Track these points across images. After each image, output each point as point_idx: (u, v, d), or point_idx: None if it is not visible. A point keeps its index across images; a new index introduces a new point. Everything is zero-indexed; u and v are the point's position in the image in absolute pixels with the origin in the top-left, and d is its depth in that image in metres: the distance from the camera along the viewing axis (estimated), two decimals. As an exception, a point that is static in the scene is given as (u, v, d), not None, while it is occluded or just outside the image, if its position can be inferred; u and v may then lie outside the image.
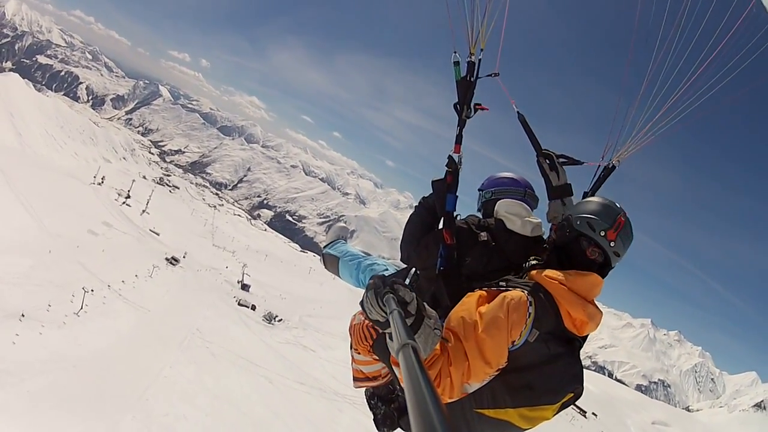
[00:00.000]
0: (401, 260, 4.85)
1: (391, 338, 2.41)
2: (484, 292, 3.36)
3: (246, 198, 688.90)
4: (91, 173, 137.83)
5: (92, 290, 58.21)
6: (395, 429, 4.31)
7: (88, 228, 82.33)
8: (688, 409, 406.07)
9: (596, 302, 3.43)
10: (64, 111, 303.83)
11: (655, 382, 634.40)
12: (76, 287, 57.16)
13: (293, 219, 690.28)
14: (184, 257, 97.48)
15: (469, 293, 3.42)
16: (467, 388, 3.03)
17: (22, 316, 47.39)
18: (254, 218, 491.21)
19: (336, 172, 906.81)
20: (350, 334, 4.21)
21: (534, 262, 3.80)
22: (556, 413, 3.42)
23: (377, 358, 3.67)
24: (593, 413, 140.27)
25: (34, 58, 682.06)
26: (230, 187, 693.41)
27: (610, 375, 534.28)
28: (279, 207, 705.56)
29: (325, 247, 6.59)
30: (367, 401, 4.54)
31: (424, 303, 2.75)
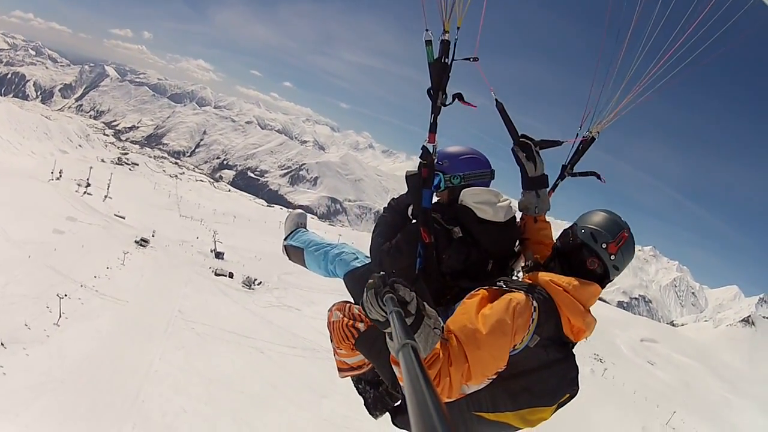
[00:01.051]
0: (372, 267, 4.65)
1: (391, 338, 2.43)
2: (486, 293, 3.37)
3: (206, 162, 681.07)
4: (50, 169, 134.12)
5: (67, 295, 56.74)
6: (386, 412, 4.29)
7: (54, 227, 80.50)
8: (672, 324, 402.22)
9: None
10: (15, 112, 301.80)
11: (636, 298, 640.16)
12: (51, 295, 56.10)
13: (255, 175, 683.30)
14: (153, 236, 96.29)
15: (471, 293, 3.42)
16: (465, 389, 3.05)
17: (3, 346, 46.24)
18: (217, 181, 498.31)
19: (291, 121, 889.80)
20: (329, 331, 4.15)
21: (531, 263, 3.91)
22: (554, 412, 3.49)
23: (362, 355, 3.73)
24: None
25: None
26: (189, 154, 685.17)
27: None
28: (239, 165, 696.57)
29: (285, 238, 6.41)
30: (355, 387, 4.52)
31: (425, 302, 2.71)
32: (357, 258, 5.31)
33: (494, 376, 3.15)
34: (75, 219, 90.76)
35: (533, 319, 3.20)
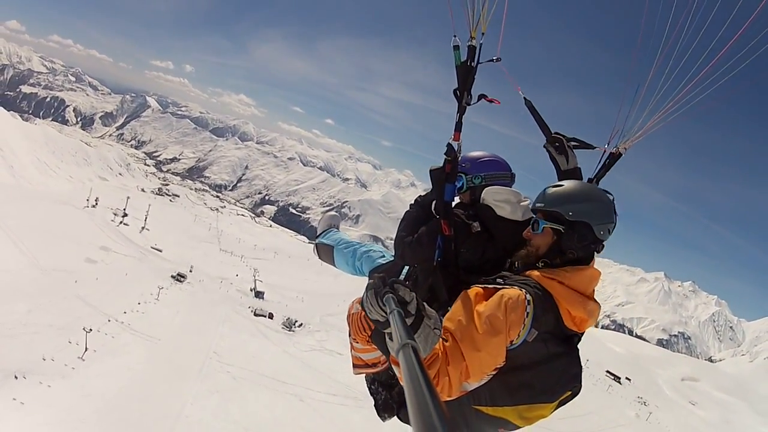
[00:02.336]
0: (395, 258, 4.75)
1: (391, 338, 2.44)
2: (480, 290, 3.25)
3: (247, 196, 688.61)
4: (86, 195, 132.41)
5: (91, 329, 53.39)
6: (395, 415, 4.04)
7: (86, 256, 78.27)
8: (710, 360, 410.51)
9: (596, 292, 3.48)
10: (54, 136, 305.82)
11: (675, 335, 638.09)
12: (78, 327, 53.15)
13: (297, 211, 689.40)
14: (190, 271, 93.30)
15: (465, 290, 3.31)
16: (466, 386, 3.00)
17: (23, 377, 43.56)
18: (258, 215, 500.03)
19: (333, 159, 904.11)
20: (348, 323, 3.56)
21: (520, 261, 3.69)
22: (554, 411, 3.41)
23: (376, 347, 3.30)
24: (627, 378, 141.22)
25: (17, 89, 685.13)
26: (230, 188, 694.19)
27: (630, 332, 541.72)
28: (281, 201, 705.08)
29: (317, 237, 6.65)
30: (368, 387, 4.24)
31: (424, 303, 2.65)
32: (383, 256, 5.56)
33: (494, 372, 3.10)
34: (109, 249, 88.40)
35: (528, 313, 3.10)
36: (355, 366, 3.92)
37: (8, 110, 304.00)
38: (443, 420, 1.12)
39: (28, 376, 43.53)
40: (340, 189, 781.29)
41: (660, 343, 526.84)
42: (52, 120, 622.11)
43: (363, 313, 3.26)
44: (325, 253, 6.26)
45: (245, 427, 47.02)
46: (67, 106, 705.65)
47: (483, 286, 3.28)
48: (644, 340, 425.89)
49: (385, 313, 2.43)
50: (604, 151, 4.51)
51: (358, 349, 3.66)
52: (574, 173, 4.39)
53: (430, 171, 4.17)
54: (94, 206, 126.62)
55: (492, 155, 4.75)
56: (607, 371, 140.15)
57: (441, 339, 2.83)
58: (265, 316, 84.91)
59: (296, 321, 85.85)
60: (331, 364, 69.55)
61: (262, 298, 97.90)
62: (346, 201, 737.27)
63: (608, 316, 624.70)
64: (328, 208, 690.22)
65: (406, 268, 4.79)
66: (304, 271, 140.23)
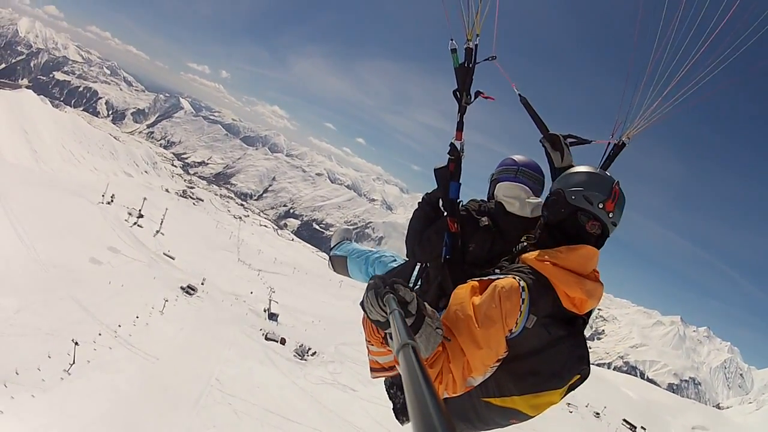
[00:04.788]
0: (407, 256, 4.89)
1: (391, 338, 2.44)
2: (476, 283, 3.27)
3: (272, 208, 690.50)
4: (110, 189, 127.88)
5: (78, 343, 48.38)
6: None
7: (90, 256, 73.22)
8: (718, 407, 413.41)
9: (599, 277, 3.42)
10: (82, 126, 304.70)
11: (686, 381, 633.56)
12: (70, 334, 48.73)
13: (320, 227, 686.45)
14: (202, 284, 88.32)
15: (460, 285, 3.34)
16: (471, 381, 3.04)
17: (3, 385, 40.08)
18: (281, 228, 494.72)
19: (361, 178, 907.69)
20: (363, 326, 3.49)
21: (525, 243, 3.73)
22: (564, 396, 3.39)
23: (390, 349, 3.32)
24: (642, 427, 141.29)
25: (51, 75, 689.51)
26: (256, 198, 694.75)
27: (642, 375, 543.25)
28: (305, 216, 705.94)
29: (331, 249, 6.80)
30: (386, 391, 4.23)
31: (425, 303, 2.78)
32: (395, 260, 5.65)
33: (497, 364, 3.12)
34: (118, 251, 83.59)
35: (523, 300, 3.07)
36: (372, 370, 3.74)
37: (38, 94, 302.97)
38: (444, 421, 1.12)
39: (6, 384, 40.15)
40: (365, 209, 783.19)
41: (670, 387, 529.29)
42: (82, 110, 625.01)
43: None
44: (339, 264, 6.38)
45: (243, 474, 41.27)
46: (100, 98, 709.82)
47: (479, 279, 3.29)
48: (655, 383, 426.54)
49: (386, 313, 2.49)
50: (609, 143, 4.54)
51: (374, 352, 3.54)
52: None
53: (435, 170, 4.32)
54: (109, 203, 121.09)
55: (518, 155, 4.72)
56: (624, 420, 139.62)
57: (445, 339, 2.91)
58: (276, 341, 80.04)
59: (309, 349, 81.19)
60: (343, 401, 65.54)
61: (276, 320, 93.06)
62: (371, 222, 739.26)
63: (621, 357, 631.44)
64: (351, 227, 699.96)
65: (418, 266, 4.77)
66: (323, 292, 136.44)
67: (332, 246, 6.83)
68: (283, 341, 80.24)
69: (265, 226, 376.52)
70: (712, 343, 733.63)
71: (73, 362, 46.40)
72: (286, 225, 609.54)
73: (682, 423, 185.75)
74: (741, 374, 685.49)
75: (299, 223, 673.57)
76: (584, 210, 3.37)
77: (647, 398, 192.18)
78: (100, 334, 53.86)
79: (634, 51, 4.30)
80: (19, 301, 51.32)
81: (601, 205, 3.33)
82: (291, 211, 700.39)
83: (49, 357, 45.83)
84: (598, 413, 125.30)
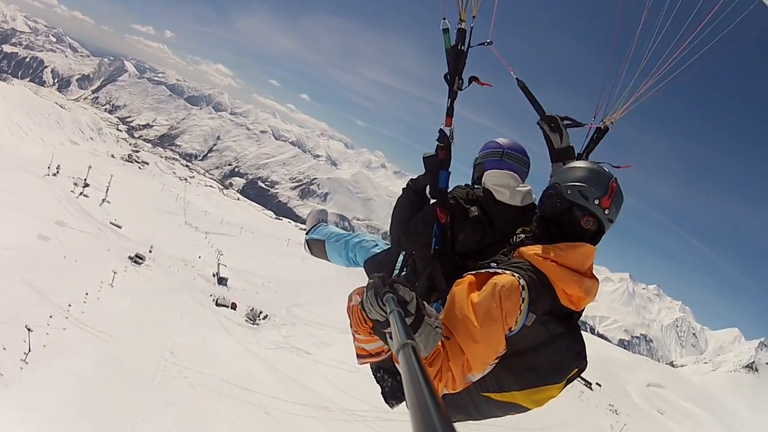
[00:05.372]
0: (391, 245, 4.87)
1: (391, 338, 2.43)
2: (473, 278, 3.26)
3: (217, 167, 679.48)
4: (56, 159, 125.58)
5: (31, 330, 47.61)
6: (402, 402, 3.89)
7: (39, 232, 72.34)
8: (672, 364, 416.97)
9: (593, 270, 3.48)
10: (29, 97, 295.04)
11: (637, 337, 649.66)
12: (23, 320, 48.20)
13: (266, 185, 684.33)
14: (150, 251, 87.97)
15: (457, 281, 3.31)
16: (470, 378, 3.04)
17: None
18: (226, 188, 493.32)
19: (306, 135, 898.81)
20: (349, 315, 3.57)
21: (522, 236, 3.78)
22: (562, 390, 3.44)
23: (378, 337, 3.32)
24: (597, 383, 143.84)
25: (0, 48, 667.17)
26: (200, 158, 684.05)
27: (592, 330, 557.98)
28: (251, 174, 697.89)
29: (306, 233, 6.72)
30: (373, 375, 4.18)
31: (425, 302, 2.73)
32: (377, 245, 5.54)
33: (496, 361, 3.13)
34: (65, 224, 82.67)
35: (523, 299, 3.11)
36: (359, 356, 3.75)
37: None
38: (443, 420, 1.13)
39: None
40: (310, 165, 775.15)
41: (621, 343, 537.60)
42: (29, 80, 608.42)
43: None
44: (317, 248, 6.28)
45: (205, 449, 42.44)
46: (46, 66, 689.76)
47: (476, 272, 3.28)
48: (606, 339, 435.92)
49: (385, 313, 2.50)
50: (591, 127, 4.62)
51: (361, 340, 3.53)
52: (567, 151, 4.49)
53: (424, 158, 4.20)
54: (55, 174, 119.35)
55: (501, 138, 4.78)
56: (579, 377, 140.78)
57: (444, 338, 2.93)
58: (227, 306, 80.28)
59: (261, 312, 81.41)
60: (299, 365, 66.05)
61: (225, 284, 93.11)
62: (316, 178, 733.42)
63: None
64: (296, 184, 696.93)
65: (402, 254, 4.67)
66: (271, 252, 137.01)
67: (308, 229, 6.72)
68: (234, 306, 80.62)
69: (211, 186, 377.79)
70: (662, 301, 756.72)
71: (29, 350, 46.04)
72: (231, 184, 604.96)
73: (637, 380, 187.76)
74: (694, 333, 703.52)
75: (244, 181, 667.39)
76: (579, 205, 3.44)
77: (602, 354, 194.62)
78: (51, 317, 53.16)
79: (616, 33, 4.50)
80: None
81: (596, 202, 3.40)
82: (236, 169, 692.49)
83: (4, 349, 45.36)
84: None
